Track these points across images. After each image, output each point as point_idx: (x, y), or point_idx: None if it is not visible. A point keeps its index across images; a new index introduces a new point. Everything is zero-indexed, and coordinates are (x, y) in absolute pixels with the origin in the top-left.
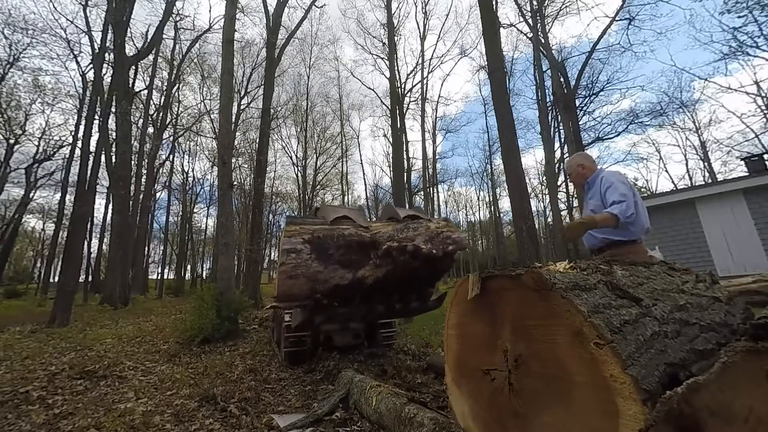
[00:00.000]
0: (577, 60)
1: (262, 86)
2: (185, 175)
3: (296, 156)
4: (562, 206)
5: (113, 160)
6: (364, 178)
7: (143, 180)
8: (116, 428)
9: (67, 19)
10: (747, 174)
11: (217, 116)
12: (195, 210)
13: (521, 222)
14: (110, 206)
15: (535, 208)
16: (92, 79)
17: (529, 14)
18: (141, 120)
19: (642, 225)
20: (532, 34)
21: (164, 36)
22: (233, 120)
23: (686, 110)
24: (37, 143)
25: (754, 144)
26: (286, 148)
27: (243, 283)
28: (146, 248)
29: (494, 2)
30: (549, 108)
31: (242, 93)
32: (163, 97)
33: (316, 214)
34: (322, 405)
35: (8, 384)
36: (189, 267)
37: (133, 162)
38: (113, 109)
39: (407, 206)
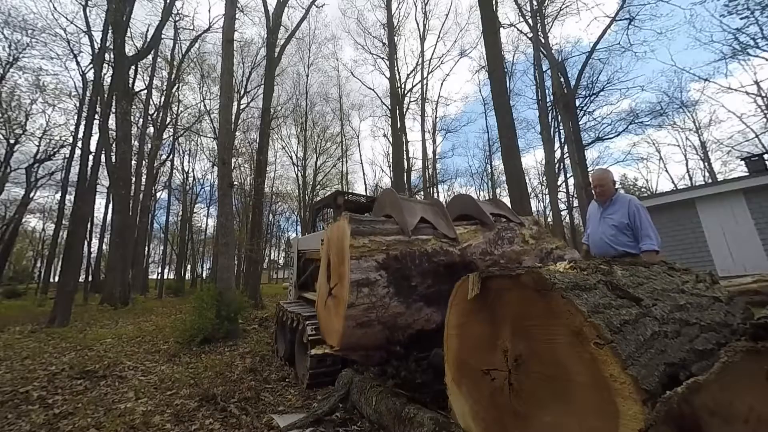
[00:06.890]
0: (577, 60)
1: (262, 86)
2: (185, 175)
3: (296, 156)
4: (562, 206)
5: (113, 160)
6: (364, 178)
7: (143, 180)
8: (116, 428)
9: (67, 19)
10: (747, 174)
11: (217, 116)
12: (195, 210)
13: None
14: (110, 206)
15: (535, 208)
16: (92, 79)
17: (529, 14)
18: (141, 120)
19: None
20: (532, 34)
21: (164, 36)
22: (233, 120)
23: (686, 110)
24: (37, 143)
25: (754, 144)
26: (286, 148)
27: (243, 283)
28: (146, 248)
29: (494, 2)
30: (549, 108)
31: (242, 93)
32: (163, 97)
33: (372, 206)
34: (322, 405)
35: (8, 384)
36: (189, 267)
37: (133, 162)
38: (113, 109)
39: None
